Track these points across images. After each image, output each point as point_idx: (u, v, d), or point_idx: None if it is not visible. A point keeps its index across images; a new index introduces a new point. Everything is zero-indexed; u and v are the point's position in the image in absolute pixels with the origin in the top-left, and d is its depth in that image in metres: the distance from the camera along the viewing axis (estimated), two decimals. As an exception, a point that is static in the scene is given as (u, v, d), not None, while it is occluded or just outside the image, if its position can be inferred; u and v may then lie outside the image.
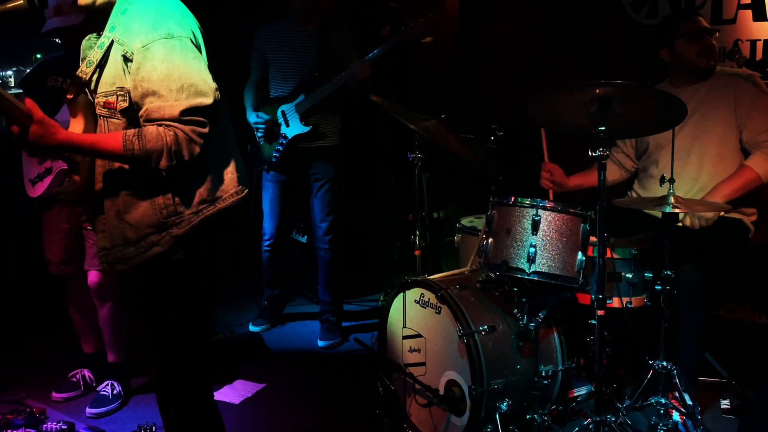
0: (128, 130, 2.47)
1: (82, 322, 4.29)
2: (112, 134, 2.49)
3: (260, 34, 5.06)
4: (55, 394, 4.20)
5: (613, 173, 4.28)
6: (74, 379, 4.27)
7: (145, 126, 2.46)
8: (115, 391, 4.12)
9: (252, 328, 5.28)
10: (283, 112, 4.91)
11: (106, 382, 4.18)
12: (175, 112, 2.43)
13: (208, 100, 2.48)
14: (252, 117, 5.04)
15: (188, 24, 2.55)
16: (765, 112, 3.78)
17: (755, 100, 3.80)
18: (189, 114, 2.44)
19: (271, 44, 5.01)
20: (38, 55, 6.45)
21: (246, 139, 5.12)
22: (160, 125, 2.43)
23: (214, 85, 2.53)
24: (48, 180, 3.91)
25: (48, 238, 4.16)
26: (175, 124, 2.43)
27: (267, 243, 5.24)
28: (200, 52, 2.56)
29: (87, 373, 4.32)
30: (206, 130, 2.48)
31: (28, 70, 4.58)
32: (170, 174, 2.50)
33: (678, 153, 3.76)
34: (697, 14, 4.01)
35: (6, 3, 2.55)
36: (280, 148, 4.95)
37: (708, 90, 3.87)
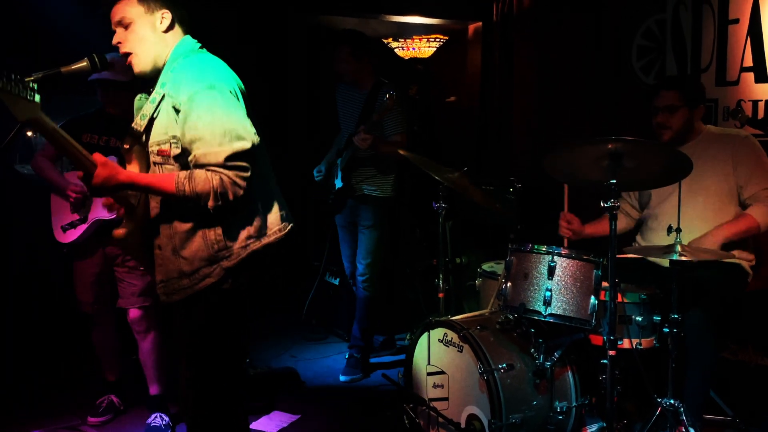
0: (180, 173, 2.58)
1: (106, 353, 4.32)
2: (167, 175, 2.61)
3: (337, 92, 5.23)
4: (90, 419, 4.20)
5: (620, 221, 4.26)
6: (104, 405, 4.28)
7: (195, 170, 2.56)
8: (164, 422, 4.10)
9: (342, 378, 5.11)
10: (339, 163, 5.06)
11: (153, 415, 4.14)
12: (220, 158, 2.54)
13: (248, 144, 2.59)
14: (315, 170, 5.26)
15: (228, 77, 2.68)
16: (765, 171, 3.77)
17: (756, 161, 3.78)
18: (232, 159, 2.55)
19: (340, 101, 5.20)
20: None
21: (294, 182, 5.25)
22: (208, 170, 2.54)
23: (252, 129, 2.64)
24: (82, 228, 3.97)
25: (79, 281, 4.15)
26: (221, 170, 2.54)
27: (350, 281, 5.36)
28: (240, 100, 2.68)
29: (114, 398, 4.33)
30: (248, 174, 2.59)
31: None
32: (217, 212, 2.60)
33: (677, 207, 3.73)
34: (664, 88, 3.94)
35: (71, 64, 2.65)
36: (332, 196, 5.11)
37: (702, 149, 3.83)
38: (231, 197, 2.55)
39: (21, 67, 2.35)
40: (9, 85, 2.27)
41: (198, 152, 2.55)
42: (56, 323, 5.31)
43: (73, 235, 4.01)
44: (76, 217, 4.00)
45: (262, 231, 2.73)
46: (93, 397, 4.40)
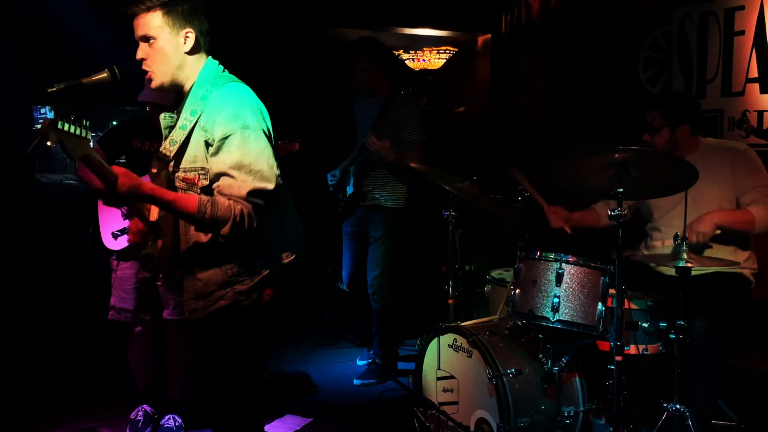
0: (203, 196, 2.59)
1: (139, 363, 4.22)
2: (190, 196, 2.61)
3: (354, 104, 5.23)
4: None
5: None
6: (139, 417, 4.15)
7: (218, 196, 2.58)
8: (177, 423, 4.09)
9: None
10: (351, 170, 5.06)
11: (167, 416, 4.13)
12: (243, 192, 2.56)
13: (271, 185, 2.62)
14: (329, 174, 5.24)
15: (262, 114, 2.69)
16: (762, 181, 3.76)
17: (755, 172, 3.77)
18: (253, 195, 2.57)
19: (358, 111, 5.18)
20: (114, 122, 6.54)
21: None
22: (230, 199, 2.56)
23: (277, 171, 2.66)
24: None
25: (119, 288, 4.08)
26: (242, 201, 2.56)
27: (347, 289, 5.35)
28: (270, 138, 2.69)
29: (147, 408, 4.20)
30: (265, 209, 2.61)
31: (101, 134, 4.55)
32: (228, 241, 2.61)
33: (679, 218, 3.71)
34: (650, 107, 3.96)
35: (92, 75, 2.66)
36: (343, 203, 5.14)
37: (701, 161, 3.78)
38: (246, 228, 2.57)
39: (21, 68, 2.35)
40: (70, 125, 2.29)
41: (223, 184, 2.58)
42: (56, 323, 5.33)
43: (124, 242, 3.98)
44: (127, 223, 3.93)
45: (271, 260, 2.76)
46: (96, 397, 4.39)
